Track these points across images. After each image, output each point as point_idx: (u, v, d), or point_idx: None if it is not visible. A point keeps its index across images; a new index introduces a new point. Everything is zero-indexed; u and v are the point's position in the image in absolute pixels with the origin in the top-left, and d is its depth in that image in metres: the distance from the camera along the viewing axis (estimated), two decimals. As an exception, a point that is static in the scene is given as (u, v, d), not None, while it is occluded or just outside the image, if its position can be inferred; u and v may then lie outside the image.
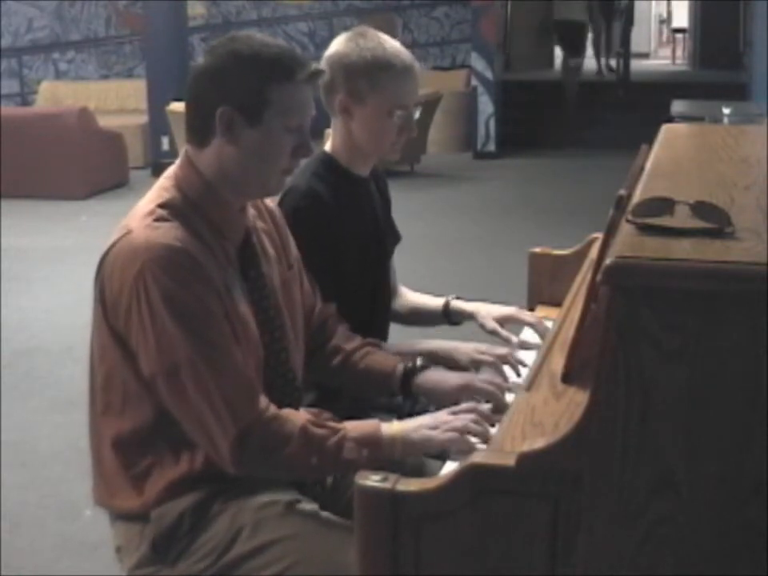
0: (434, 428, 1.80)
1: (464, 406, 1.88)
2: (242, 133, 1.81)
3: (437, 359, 2.24)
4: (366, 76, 2.18)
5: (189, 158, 1.88)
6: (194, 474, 1.81)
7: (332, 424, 1.80)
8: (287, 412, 1.79)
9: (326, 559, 1.76)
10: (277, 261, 2.01)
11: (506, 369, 2.16)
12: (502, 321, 2.38)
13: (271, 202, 2.09)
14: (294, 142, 1.84)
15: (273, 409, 1.78)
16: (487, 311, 2.41)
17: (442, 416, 1.84)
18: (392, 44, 2.23)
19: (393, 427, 1.82)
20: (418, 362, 2.09)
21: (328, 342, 2.15)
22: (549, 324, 2.35)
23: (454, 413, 1.84)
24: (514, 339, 2.31)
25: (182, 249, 1.75)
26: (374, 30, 2.27)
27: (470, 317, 2.45)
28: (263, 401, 1.77)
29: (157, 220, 1.78)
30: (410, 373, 2.07)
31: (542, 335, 2.30)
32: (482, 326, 2.39)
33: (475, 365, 2.19)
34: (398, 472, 1.43)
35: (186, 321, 1.73)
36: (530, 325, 2.36)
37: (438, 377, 2.07)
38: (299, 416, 1.79)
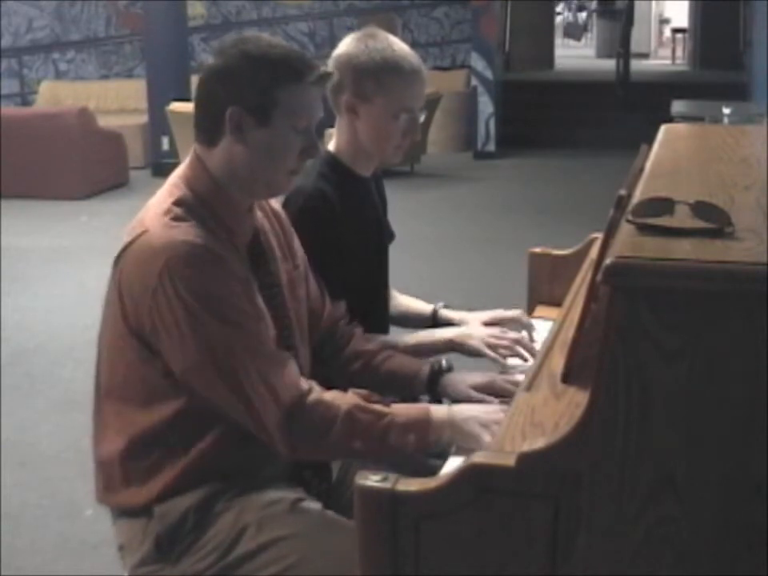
0: (485, 425, 1.80)
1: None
2: (251, 133, 1.82)
3: (454, 346, 2.26)
4: (374, 77, 2.18)
5: (198, 157, 1.88)
6: (198, 470, 1.81)
7: (379, 408, 1.81)
8: (333, 395, 1.81)
9: (330, 558, 1.77)
10: (283, 261, 2.02)
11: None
12: (490, 324, 2.39)
13: (276, 203, 2.09)
14: (302, 142, 1.85)
15: (317, 391, 1.79)
16: (474, 318, 2.43)
17: (495, 412, 1.83)
18: (401, 46, 2.24)
19: (442, 411, 1.83)
20: (443, 363, 2.10)
21: (345, 347, 2.15)
22: (538, 322, 2.38)
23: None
24: (509, 332, 2.31)
25: (202, 245, 1.76)
26: (383, 31, 2.27)
27: (457, 325, 2.46)
28: (305, 381, 1.79)
29: (174, 219, 1.79)
30: (437, 374, 2.08)
31: (526, 328, 2.33)
32: None
33: (492, 349, 2.20)
34: (398, 472, 1.43)
35: (218, 310, 1.75)
36: (514, 320, 2.37)
37: (460, 376, 2.08)
38: (345, 399, 1.80)
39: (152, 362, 1.80)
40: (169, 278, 1.73)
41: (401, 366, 2.12)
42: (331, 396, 1.80)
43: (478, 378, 2.05)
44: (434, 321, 2.50)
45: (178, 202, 1.83)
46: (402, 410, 1.82)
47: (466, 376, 2.08)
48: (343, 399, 1.80)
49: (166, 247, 1.75)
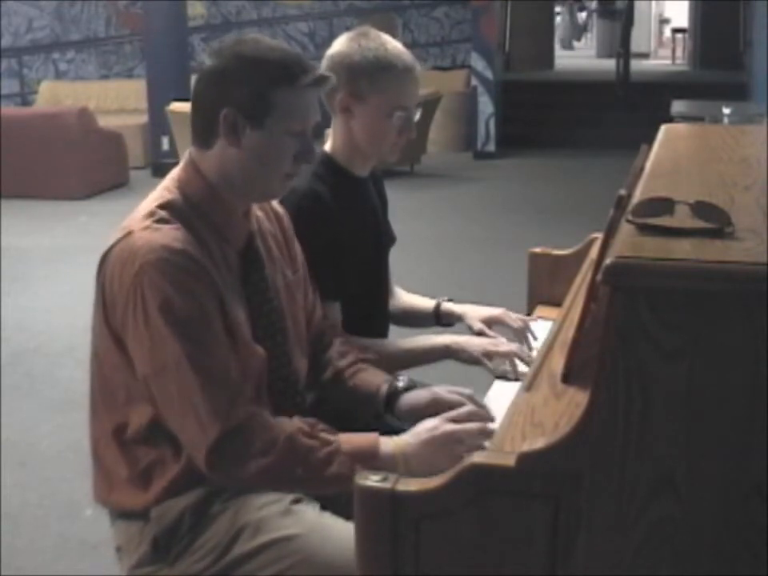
0: (437, 444, 1.73)
1: (462, 410, 1.83)
2: (245, 135, 1.81)
3: (450, 353, 2.25)
4: (368, 76, 2.18)
5: (192, 159, 1.88)
6: (195, 472, 1.80)
7: (325, 435, 1.74)
8: (278, 420, 1.76)
9: (327, 560, 1.76)
10: (282, 264, 2.01)
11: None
12: (489, 322, 2.39)
13: (278, 205, 2.08)
14: (297, 146, 1.83)
15: (263, 415, 1.75)
16: (475, 313, 2.43)
17: (442, 427, 1.77)
18: (394, 45, 2.23)
19: (392, 443, 1.76)
20: (400, 384, 2.01)
21: (323, 354, 2.11)
22: (536, 327, 2.37)
23: (453, 420, 1.79)
24: (502, 340, 2.30)
25: (181, 250, 1.74)
26: (376, 30, 2.27)
27: (459, 318, 2.46)
28: (254, 408, 1.75)
29: (157, 221, 1.78)
30: (393, 395, 2.00)
31: (521, 339, 2.32)
32: (470, 328, 2.40)
33: (488, 357, 2.19)
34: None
35: (179, 323, 1.71)
36: (514, 330, 2.36)
37: (412, 398, 1.99)
38: (290, 424, 1.75)
39: (129, 364, 1.78)
40: (141, 283, 1.71)
41: (363, 381, 2.05)
42: (275, 420, 1.75)
43: (424, 394, 1.96)
44: (437, 315, 2.50)
45: (163, 205, 1.81)
46: (349, 438, 1.75)
47: (416, 396, 1.97)
48: (287, 424, 1.74)
49: (145, 251, 1.73)
